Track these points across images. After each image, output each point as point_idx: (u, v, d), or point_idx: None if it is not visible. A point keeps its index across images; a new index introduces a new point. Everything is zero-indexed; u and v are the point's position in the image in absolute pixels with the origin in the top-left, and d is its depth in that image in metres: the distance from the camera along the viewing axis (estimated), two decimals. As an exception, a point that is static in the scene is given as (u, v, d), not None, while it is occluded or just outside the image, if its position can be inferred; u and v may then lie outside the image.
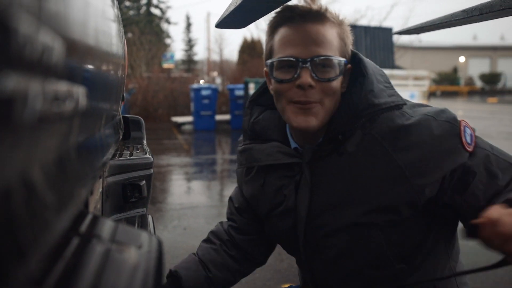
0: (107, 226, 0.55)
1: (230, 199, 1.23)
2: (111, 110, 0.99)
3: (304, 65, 0.88)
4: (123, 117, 1.51)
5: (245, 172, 1.12)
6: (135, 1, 29.07)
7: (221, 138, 9.78)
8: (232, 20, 1.31)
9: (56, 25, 0.34)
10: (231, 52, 48.87)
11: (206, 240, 1.21)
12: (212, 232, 1.22)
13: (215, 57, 27.08)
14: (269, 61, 0.94)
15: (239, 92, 10.78)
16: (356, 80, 0.94)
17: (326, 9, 0.92)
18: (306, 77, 0.87)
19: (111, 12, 0.93)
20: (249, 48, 21.16)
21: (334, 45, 0.90)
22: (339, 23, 0.93)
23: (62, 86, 0.37)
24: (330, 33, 0.90)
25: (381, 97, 0.90)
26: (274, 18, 0.95)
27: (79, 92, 0.45)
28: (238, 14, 1.23)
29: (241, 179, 1.15)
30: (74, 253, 0.45)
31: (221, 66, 21.64)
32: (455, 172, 0.89)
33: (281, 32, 0.93)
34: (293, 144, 1.01)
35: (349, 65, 0.95)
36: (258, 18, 1.35)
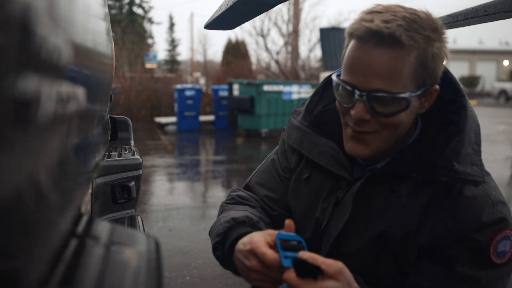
0: (104, 227, 0.54)
1: (272, 161, 1.09)
2: (102, 110, 0.98)
3: (359, 98, 0.80)
4: (110, 117, 1.49)
5: (291, 149, 1.05)
6: (118, 0, 28.74)
7: (205, 139, 9.75)
8: (222, 21, 1.31)
9: (63, 27, 0.34)
10: (215, 53, 48.73)
11: (238, 202, 1.04)
12: (241, 197, 1.06)
13: (199, 57, 26.98)
14: (334, 76, 0.87)
15: (223, 93, 10.76)
16: (447, 122, 0.86)
17: (404, 31, 0.76)
18: (359, 111, 0.80)
19: (103, 11, 0.92)
20: (233, 49, 21.14)
21: (403, 76, 0.77)
22: (425, 44, 0.77)
23: (67, 87, 0.36)
24: (402, 62, 0.77)
25: (464, 164, 0.81)
26: (354, 23, 0.81)
27: (80, 93, 0.45)
28: (228, 15, 1.23)
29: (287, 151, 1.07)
30: (74, 254, 0.44)
31: (205, 67, 21.55)
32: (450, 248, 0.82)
33: (351, 46, 0.81)
34: None
35: (435, 87, 0.83)
36: (247, 20, 1.36)
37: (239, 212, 0.96)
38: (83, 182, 0.53)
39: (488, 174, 0.88)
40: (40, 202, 0.32)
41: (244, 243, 0.79)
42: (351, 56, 0.81)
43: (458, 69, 37.52)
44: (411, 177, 0.85)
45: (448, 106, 0.88)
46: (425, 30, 0.77)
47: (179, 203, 4.43)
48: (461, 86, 0.88)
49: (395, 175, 0.87)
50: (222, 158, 7.37)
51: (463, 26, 1.24)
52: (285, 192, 1.04)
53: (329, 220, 0.94)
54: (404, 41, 0.75)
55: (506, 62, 38.13)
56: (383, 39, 0.76)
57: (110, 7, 30.31)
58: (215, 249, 0.92)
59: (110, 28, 1.34)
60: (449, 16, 1.25)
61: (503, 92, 24.90)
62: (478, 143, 0.85)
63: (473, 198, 0.82)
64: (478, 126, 0.87)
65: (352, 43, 0.81)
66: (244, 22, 1.35)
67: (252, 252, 0.75)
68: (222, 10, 1.17)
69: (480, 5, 1.13)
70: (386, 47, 0.76)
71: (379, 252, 0.89)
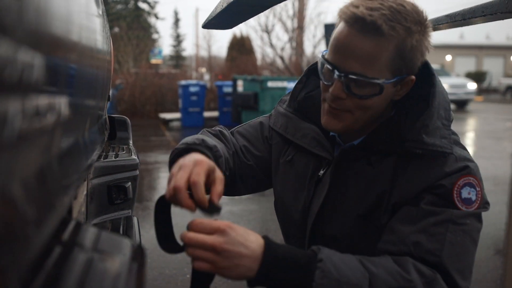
0: (90, 233, 0.55)
1: (261, 124, 1.14)
2: (96, 111, 0.98)
3: (338, 78, 0.86)
4: (109, 117, 1.50)
5: (276, 134, 1.10)
6: (123, -5, 28.76)
7: (209, 135, 9.74)
8: (219, 21, 1.31)
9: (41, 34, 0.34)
10: (220, 49, 48.54)
11: (218, 136, 1.09)
12: (223, 134, 1.11)
13: (204, 53, 26.94)
14: (321, 54, 0.92)
15: (228, 89, 10.75)
16: (419, 101, 0.91)
17: (386, 20, 0.80)
18: (337, 89, 0.86)
19: (96, 10, 0.92)
20: (238, 45, 21.09)
21: (379, 64, 0.82)
22: (405, 34, 0.81)
23: (42, 101, 0.37)
24: (380, 50, 0.81)
25: (433, 136, 0.87)
26: (344, 6, 0.85)
27: (61, 103, 0.45)
28: (224, 16, 1.23)
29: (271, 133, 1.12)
30: (56, 262, 0.45)
31: (210, 63, 21.53)
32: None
33: (338, 27, 0.86)
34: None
35: (411, 77, 0.88)
36: (244, 20, 1.36)
37: (213, 140, 1.00)
38: (68, 188, 0.53)
39: (457, 142, 0.93)
40: (12, 212, 0.32)
41: (190, 158, 0.81)
42: (336, 37, 0.86)
43: (464, 65, 37.24)
44: (384, 151, 0.90)
45: (419, 84, 0.92)
46: (407, 22, 0.81)
47: (182, 200, 4.44)
48: (431, 65, 0.92)
49: (370, 150, 0.92)
50: (226, 155, 7.37)
51: (461, 26, 1.23)
52: (262, 151, 1.11)
53: (312, 198, 1.00)
54: (385, 30, 0.80)
55: (513, 58, 37.75)
56: (365, 25, 0.81)
57: (115, 3, 30.35)
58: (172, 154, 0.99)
59: (107, 25, 1.34)
60: (447, 16, 1.25)
61: (510, 88, 24.67)
62: (448, 119, 0.90)
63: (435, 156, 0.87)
64: (448, 102, 0.92)
65: (340, 25, 0.86)
66: (240, 23, 1.35)
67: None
68: (218, 11, 1.17)
69: (478, 5, 1.12)
70: (367, 33, 0.81)
71: (363, 234, 0.92)
